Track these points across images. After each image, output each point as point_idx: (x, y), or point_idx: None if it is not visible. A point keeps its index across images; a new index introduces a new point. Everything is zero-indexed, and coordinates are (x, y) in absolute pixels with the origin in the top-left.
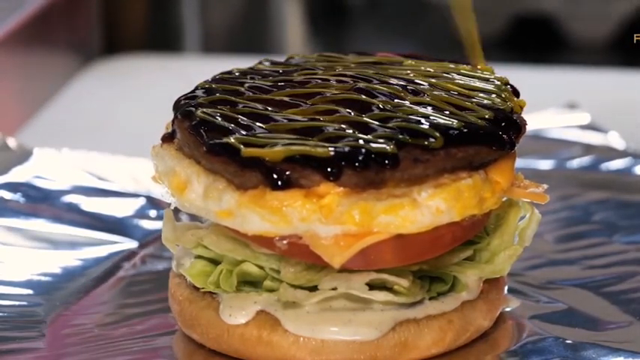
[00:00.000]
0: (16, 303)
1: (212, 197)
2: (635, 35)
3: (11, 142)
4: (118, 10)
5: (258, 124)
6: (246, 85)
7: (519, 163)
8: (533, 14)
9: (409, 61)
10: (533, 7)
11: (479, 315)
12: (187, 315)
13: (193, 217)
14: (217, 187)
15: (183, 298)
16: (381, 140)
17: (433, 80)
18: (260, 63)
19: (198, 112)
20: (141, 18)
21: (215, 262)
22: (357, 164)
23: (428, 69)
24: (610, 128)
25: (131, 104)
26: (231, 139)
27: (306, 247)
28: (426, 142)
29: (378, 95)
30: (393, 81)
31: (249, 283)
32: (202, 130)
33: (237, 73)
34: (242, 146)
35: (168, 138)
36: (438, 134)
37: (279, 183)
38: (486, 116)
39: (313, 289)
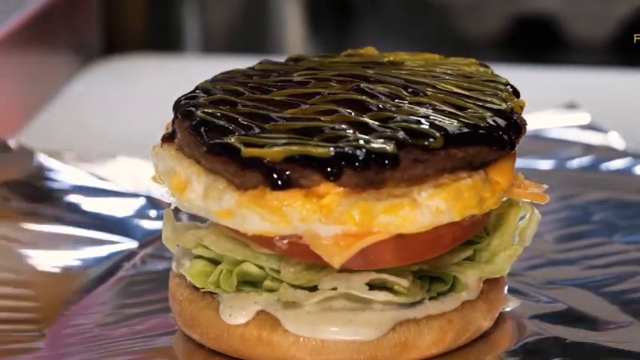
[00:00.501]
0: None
1: (212, 197)
2: (635, 35)
3: (11, 142)
4: (118, 10)
5: (258, 124)
6: (247, 85)
7: (519, 163)
8: (533, 14)
9: (409, 62)
10: (533, 7)
11: (479, 315)
12: (187, 315)
13: (193, 217)
14: (217, 187)
15: (183, 298)
16: (381, 140)
17: (433, 80)
18: (260, 63)
19: (199, 112)
20: (141, 18)
21: (215, 262)
22: (357, 164)
23: (428, 69)
24: (610, 128)
25: (131, 104)
26: (232, 139)
27: (306, 247)
28: (426, 142)
29: (378, 95)
30: (393, 81)
31: (249, 283)
32: (202, 130)
33: (237, 73)
34: (242, 146)
35: (168, 138)
36: (438, 134)
37: (279, 183)
38: (486, 116)
39: (313, 289)
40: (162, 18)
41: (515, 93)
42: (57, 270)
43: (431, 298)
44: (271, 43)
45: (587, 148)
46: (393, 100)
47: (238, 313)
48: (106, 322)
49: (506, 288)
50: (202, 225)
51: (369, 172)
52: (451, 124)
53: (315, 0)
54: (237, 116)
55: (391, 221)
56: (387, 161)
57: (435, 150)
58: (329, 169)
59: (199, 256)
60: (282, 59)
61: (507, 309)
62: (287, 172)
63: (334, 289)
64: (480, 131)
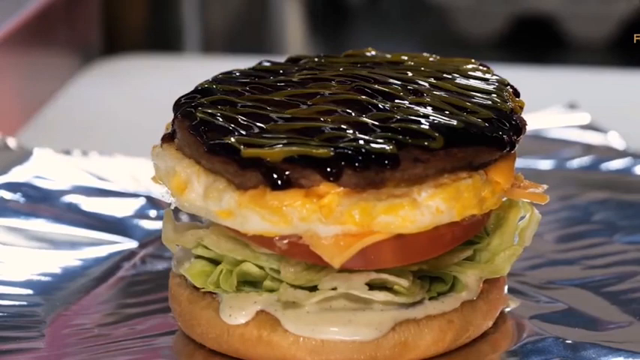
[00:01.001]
0: (16, 303)
1: (212, 197)
2: (635, 35)
3: (11, 142)
4: (118, 10)
5: (258, 124)
6: (247, 85)
7: (519, 163)
8: (533, 14)
9: (409, 62)
10: (533, 7)
11: (479, 315)
12: (187, 315)
13: (193, 217)
14: (217, 187)
15: (183, 298)
16: (381, 140)
17: (433, 80)
18: (260, 63)
19: (199, 113)
20: (141, 18)
21: (215, 262)
22: (357, 164)
23: (428, 69)
24: (610, 128)
25: (131, 104)
26: (232, 140)
27: (306, 247)
28: (426, 143)
29: (378, 95)
30: (393, 81)
31: (249, 283)
32: (202, 131)
33: (237, 74)
34: (242, 146)
35: (168, 138)
36: (437, 134)
37: (279, 183)
38: (486, 117)
39: (313, 289)
40: (162, 18)
41: (515, 93)
42: (57, 270)
43: (431, 298)
44: (271, 43)
45: (587, 148)
46: (393, 100)
47: (238, 313)
48: (106, 321)
49: (506, 288)
50: (202, 225)
51: (369, 172)
52: (451, 125)
53: (315, 0)
54: (237, 116)
55: (391, 221)
56: (387, 161)
57: (434, 150)
58: (329, 169)
59: (199, 256)
60: (282, 59)
61: (507, 309)
62: (287, 172)
63: (334, 289)
64: (480, 131)
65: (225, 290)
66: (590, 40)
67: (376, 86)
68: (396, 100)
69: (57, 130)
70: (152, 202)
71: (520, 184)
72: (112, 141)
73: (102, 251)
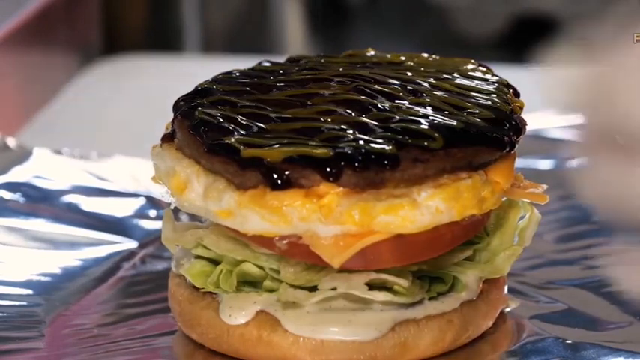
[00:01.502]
0: (16, 303)
1: (212, 197)
2: (635, 35)
3: (11, 142)
4: (118, 10)
5: (258, 124)
6: (246, 85)
7: (519, 163)
8: (533, 14)
9: (409, 62)
10: (533, 7)
11: (479, 315)
12: (187, 315)
13: (193, 217)
14: (217, 187)
15: (183, 298)
16: (381, 141)
17: (433, 80)
18: (260, 63)
19: (198, 113)
20: (141, 18)
21: (215, 262)
22: (356, 165)
23: (428, 69)
24: None
25: (131, 104)
26: (231, 140)
27: (306, 247)
28: (425, 143)
29: (378, 95)
30: (393, 81)
31: (249, 283)
32: (202, 131)
33: (237, 74)
34: (242, 146)
35: (168, 138)
36: (437, 135)
37: (279, 183)
38: (486, 117)
39: (313, 289)
40: (162, 18)
41: (515, 93)
42: (57, 270)
43: (431, 298)
44: (271, 43)
45: None
46: (393, 101)
47: (238, 313)
48: (105, 322)
49: (506, 288)
50: (202, 225)
51: (369, 173)
52: (451, 125)
53: (315, 0)
54: (236, 116)
55: (391, 221)
56: (386, 162)
57: (434, 150)
58: (329, 170)
59: (199, 256)
60: (282, 59)
61: (507, 309)
62: (287, 173)
63: (334, 289)
64: (480, 132)
65: (225, 290)
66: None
67: (376, 86)
68: (396, 101)
69: (57, 130)
70: (152, 202)
71: (520, 184)
72: (112, 141)
73: (102, 251)
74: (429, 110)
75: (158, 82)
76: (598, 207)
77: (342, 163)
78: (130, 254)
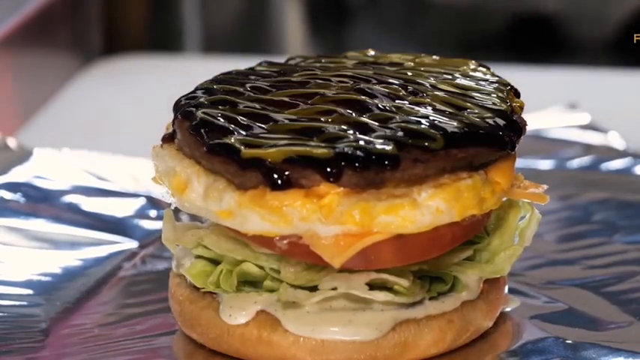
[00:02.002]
0: (16, 303)
1: (212, 197)
2: (635, 35)
3: (11, 142)
4: (118, 10)
5: (258, 124)
6: (247, 85)
7: (519, 163)
8: (533, 14)
9: (409, 62)
10: (533, 7)
11: (479, 315)
12: (187, 315)
13: (193, 217)
14: (217, 187)
15: (183, 298)
16: (381, 141)
17: (433, 80)
18: (260, 63)
19: (199, 113)
20: (141, 18)
21: (215, 262)
22: (357, 165)
23: (428, 69)
24: (610, 128)
25: (131, 104)
26: (232, 140)
27: (306, 247)
28: (426, 143)
29: (378, 95)
30: (393, 81)
31: (249, 283)
32: (203, 131)
33: (237, 74)
34: (242, 147)
35: (168, 138)
36: (438, 135)
37: (279, 183)
38: (487, 117)
39: (313, 289)
40: (162, 18)
41: (516, 93)
42: (57, 270)
43: (431, 298)
44: (271, 43)
45: (587, 148)
46: (393, 101)
47: (238, 313)
48: (106, 322)
49: (506, 288)
50: (202, 225)
51: (369, 173)
52: (451, 125)
53: (315, 0)
54: (237, 116)
55: (391, 221)
56: (387, 162)
57: (435, 150)
58: (329, 170)
59: (199, 256)
60: (282, 59)
61: (507, 309)
62: (287, 173)
63: (334, 289)
64: (480, 132)
65: (226, 290)
66: (590, 40)
67: (376, 86)
68: (397, 101)
69: (57, 130)
70: (152, 202)
71: (520, 184)
72: (112, 141)
73: (102, 251)
74: (429, 110)
75: (158, 82)
76: None
77: (343, 163)
78: (130, 254)
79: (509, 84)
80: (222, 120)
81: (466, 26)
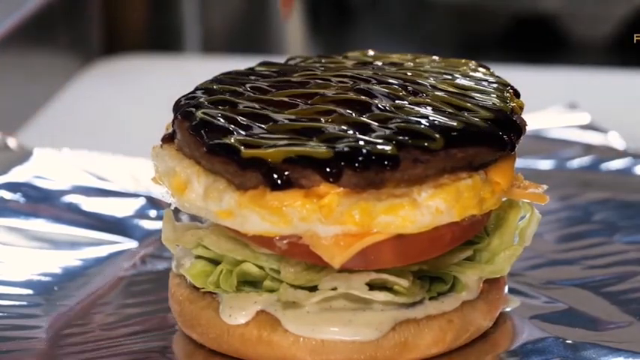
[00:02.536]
0: (16, 303)
1: (212, 197)
2: (635, 35)
3: (11, 142)
4: (118, 10)
5: (258, 124)
6: (246, 85)
7: (519, 163)
8: (533, 14)
9: (409, 62)
10: (533, 7)
11: (479, 315)
12: (187, 315)
13: (193, 217)
14: (217, 188)
15: (183, 298)
16: (381, 141)
17: (433, 81)
18: (260, 64)
19: (199, 113)
20: (141, 18)
21: (215, 262)
22: (357, 165)
23: (428, 69)
24: (610, 128)
25: (131, 104)
26: (231, 140)
27: (306, 247)
28: (426, 143)
29: (378, 96)
30: (393, 81)
31: (249, 283)
32: (202, 131)
33: (237, 74)
34: (242, 147)
35: (168, 138)
36: (438, 135)
37: (279, 183)
38: (487, 117)
39: (313, 289)
40: (163, 18)
41: (516, 94)
42: (57, 270)
43: (431, 298)
44: (271, 43)
45: (587, 148)
46: (393, 101)
47: (238, 313)
48: (106, 322)
49: (506, 288)
50: (202, 225)
51: (369, 173)
52: (451, 125)
53: (315, 0)
54: (237, 117)
55: (391, 221)
56: (387, 162)
57: (435, 150)
58: (329, 170)
59: (199, 256)
60: (282, 59)
61: (507, 309)
62: (287, 173)
63: (334, 289)
64: (480, 132)
65: (225, 290)
66: (590, 40)
67: (376, 86)
68: (396, 101)
69: (57, 130)
70: (152, 202)
71: (520, 184)
72: (112, 141)
73: (102, 251)
74: (429, 110)
75: (158, 82)
76: None
77: (343, 164)
78: (130, 254)
79: (509, 84)
80: (222, 120)
81: (466, 26)
